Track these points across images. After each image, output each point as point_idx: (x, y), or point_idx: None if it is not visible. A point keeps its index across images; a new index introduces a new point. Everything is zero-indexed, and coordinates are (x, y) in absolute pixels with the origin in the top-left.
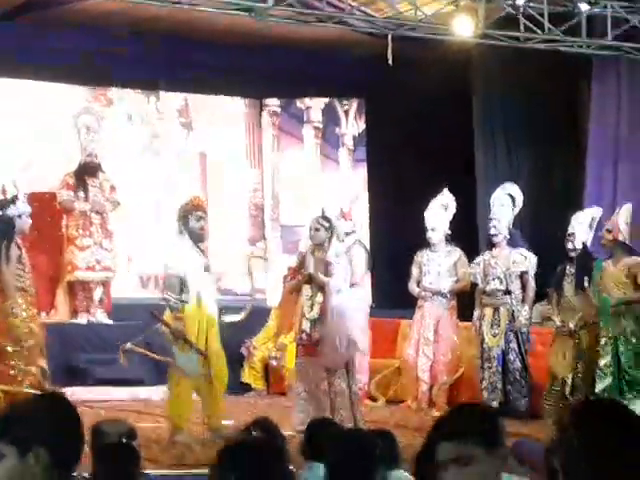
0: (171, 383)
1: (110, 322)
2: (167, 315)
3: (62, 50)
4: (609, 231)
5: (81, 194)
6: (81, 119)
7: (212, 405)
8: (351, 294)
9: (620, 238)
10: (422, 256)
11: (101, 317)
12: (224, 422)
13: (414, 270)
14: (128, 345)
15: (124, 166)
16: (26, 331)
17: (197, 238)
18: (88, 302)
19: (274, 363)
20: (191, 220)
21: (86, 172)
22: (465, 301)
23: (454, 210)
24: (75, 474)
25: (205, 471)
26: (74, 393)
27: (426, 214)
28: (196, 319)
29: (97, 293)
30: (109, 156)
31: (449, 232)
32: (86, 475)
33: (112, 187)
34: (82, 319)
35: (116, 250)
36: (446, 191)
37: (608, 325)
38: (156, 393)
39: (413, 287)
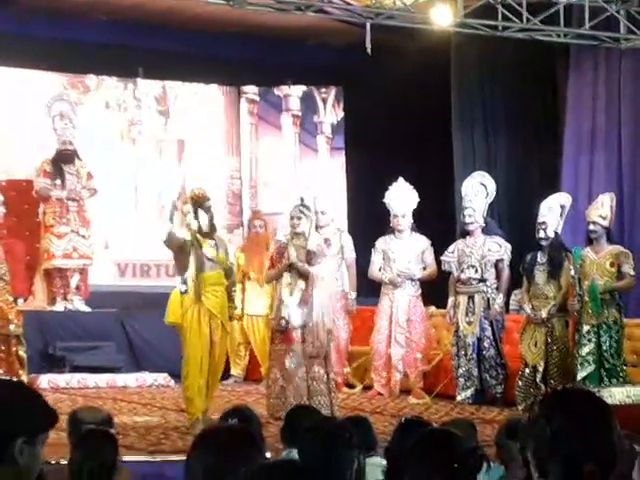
0: (184, 375)
1: (87, 309)
2: (174, 300)
3: (40, 37)
4: (603, 217)
5: (58, 182)
6: (55, 106)
7: (203, 390)
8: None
9: (608, 225)
10: (385, 242)
11: (78, 304)
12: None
13: (376, 257)
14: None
15: (102, 153)
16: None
17: (201, 229)
18: (65, 289)
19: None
20: (199, 212)
21: (62, 159)
22: (440, 289)
23: (416, 198)
24: (53, 462)
25: (182, 458)
26: (51, 380)
27: (391, 201)
28: (195, 309)
29: (74, 280)
30: (86, 143)
31: (412, 220)
32: (63, 462)
33: (89, 174)
34: (59, 306)
35: (93, 237)
36: (401, 179)
37: (598, 311)
38: (133, 380)
39: (376, 273)
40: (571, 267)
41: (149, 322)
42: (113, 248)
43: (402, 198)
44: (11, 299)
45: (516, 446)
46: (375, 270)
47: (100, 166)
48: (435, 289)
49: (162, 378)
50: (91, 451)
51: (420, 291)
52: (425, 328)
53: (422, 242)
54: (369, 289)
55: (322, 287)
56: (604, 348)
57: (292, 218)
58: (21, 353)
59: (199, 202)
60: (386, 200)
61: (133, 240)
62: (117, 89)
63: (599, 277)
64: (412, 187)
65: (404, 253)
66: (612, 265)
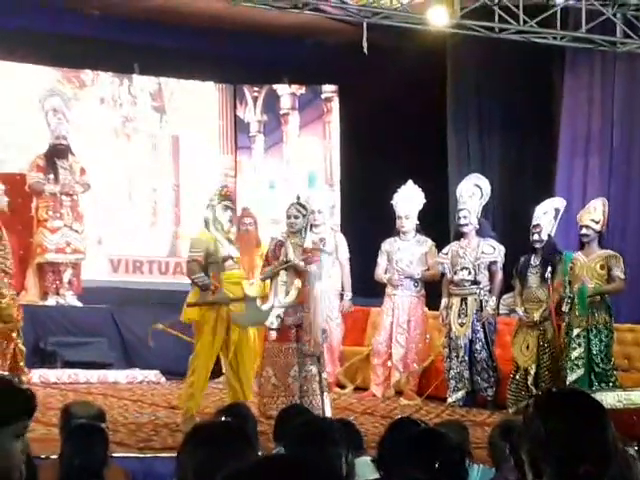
0: (190, 371)
1: (80, 304)
2: (193, 294)
3: (35, 31)
4: (596, 222)
5: (51, 176)
6: (48, 101)
7: (238, 392)
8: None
9: (600, 229)
10: (390, 244)
11: (71, 299)
12: None
13: (381, 259)
14: (160, 326)
15: (96, 149)
16: (12, 311)
17: (222, 227)
18: (58, 284)
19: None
20: (217, 209)
21: (55, 154)
22: (433, 290)
23: (423, 200)
24: (43, 456)
25: (172, 455)
26: (42, 375)
27: (397, 203)
28: (215, 308)
29: (67, 275)
30: (81, 138)
31: (418, 222)
32: (54, 457)
33: (82, 169)
34: (51, 301)
35: (86, 232)
36: (410, 182)
37: (585, 313)
38: (124, 377)
39: (381, 275)
40: (549, 269)
41: (141, 318)
42: (106, 243)
43: (407, 200)
44: (15, 293)
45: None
46: (380, 272)
47: (94, 162)
48: (427, 291)
49: (153, 375)
50: (81, 445)
51: (423, 292)
52: (423, 330)
53: (425, 244)
54: (360, 289)
55: (317, 286)
56: (594, 352)
57: (289, 217)
58: (20, 346)
59: (229, 199)
60: (393, 202)
61: (126, 236)
62: (112, 85)
63: (589, 280)
64: (420, 189)
65: (407, 255)
66: (602, 268)
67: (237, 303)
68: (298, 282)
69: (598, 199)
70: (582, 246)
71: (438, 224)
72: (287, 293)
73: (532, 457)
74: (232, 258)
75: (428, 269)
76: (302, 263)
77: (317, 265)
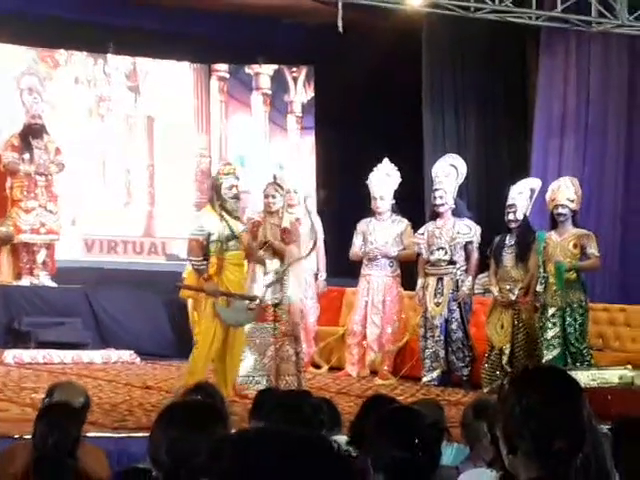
0: (194, 347)
1: (54, 285)
2: (189, 277)
3: (10, 11)
4: (571, 201)
5: (26, 156)
6: (23, 80)
7: (221, 376)
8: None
9: (575, 208)
10: (366, 224)
11: (45, 280)
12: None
13: (357, 239)
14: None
15: (71, 129)
16: None
17: (226, 205)
18: (32, 264)
19: None
20: (223, 188)
21: (30, 134)
22: (409, 271)
23: (398, 179)
24: (17, 436)
25: (146, 434)
26: (16, 355)
27: (371, 183)
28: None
29: (41, 255)
30: (56, 118)
31: (394, 202)
32: (28, 437)
33: (57, 149)
34: (25, 281)
35: (61, 213)
36: (386, 160)
37: (563, 289)
38: (98, 357)
39: (357, 252)
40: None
41: (116, 298)
42: (80, 224)
43: (381, 181)
44: None
45: (483, 426)
46: (356, 250)
47: (69, 141)
48: (403, 271)
49: (127, 355)
50: (55, 425)
51: (398, 272)
52: (399, 311)
53: (401, 224)
54: (336, 270)
55: (294, 266)
56: (569, 331)
57: (267, 197)
58: None
59: (234, 175)
60: (368, 182)
61: (100, 216)
62: (87, 64)
63: (562, 259)
64: (395, 168)
65: (382, 235)
66: (575, 247)
67: (225, 298)
68: (276, 263)
69: (565, 178)
70: (554, 225)
71: (414, 204)
72: (265, 273)
73: (507, 433)
74: (236, 238)
75: (404, 249)
76: (281, 243)
77: (295, 245)
